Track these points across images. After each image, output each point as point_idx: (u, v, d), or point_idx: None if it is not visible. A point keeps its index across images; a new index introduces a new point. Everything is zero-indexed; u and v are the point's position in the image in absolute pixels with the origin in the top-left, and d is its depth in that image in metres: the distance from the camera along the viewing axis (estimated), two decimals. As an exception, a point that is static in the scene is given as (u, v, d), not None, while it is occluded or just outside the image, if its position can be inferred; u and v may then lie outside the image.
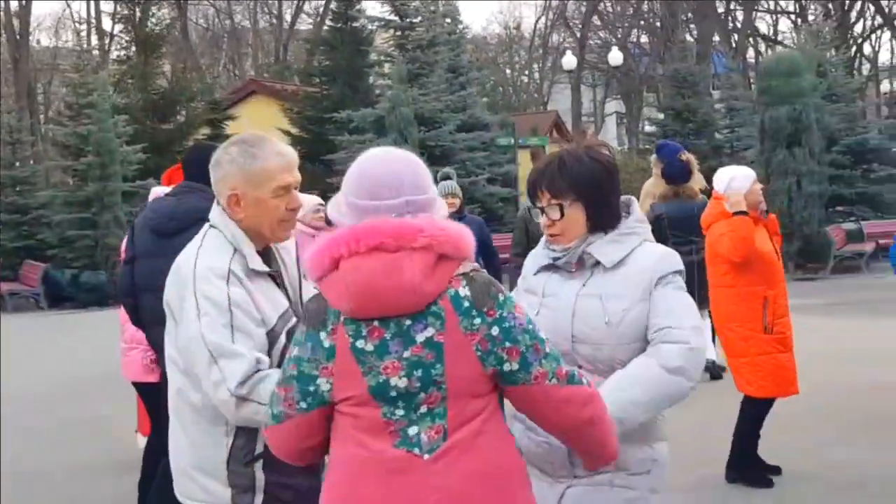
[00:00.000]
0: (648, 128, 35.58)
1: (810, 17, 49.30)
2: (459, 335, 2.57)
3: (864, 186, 22.90)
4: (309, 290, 3.11)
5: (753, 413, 6.49)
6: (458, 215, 9.41)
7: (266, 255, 3.19)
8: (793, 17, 52.81)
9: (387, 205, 2.61)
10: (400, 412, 2.57)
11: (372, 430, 2.59)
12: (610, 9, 52.72)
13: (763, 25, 53.45)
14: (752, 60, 51.04)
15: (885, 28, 50.60)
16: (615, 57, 32.30)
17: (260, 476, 3.12)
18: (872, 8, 50.42)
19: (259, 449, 3.09)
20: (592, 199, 3.20)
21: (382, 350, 2.56)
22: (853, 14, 49.71)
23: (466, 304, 2.57)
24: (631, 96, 50.28)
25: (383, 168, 2.66)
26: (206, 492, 3.13)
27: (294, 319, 3.10)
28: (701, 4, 40.58)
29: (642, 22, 50.87)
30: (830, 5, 47.26)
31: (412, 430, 2.58)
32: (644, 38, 52.51)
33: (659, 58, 47.91)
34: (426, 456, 2.57)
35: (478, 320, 2.57)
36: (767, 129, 20.63)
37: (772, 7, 52.69)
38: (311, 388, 2.62)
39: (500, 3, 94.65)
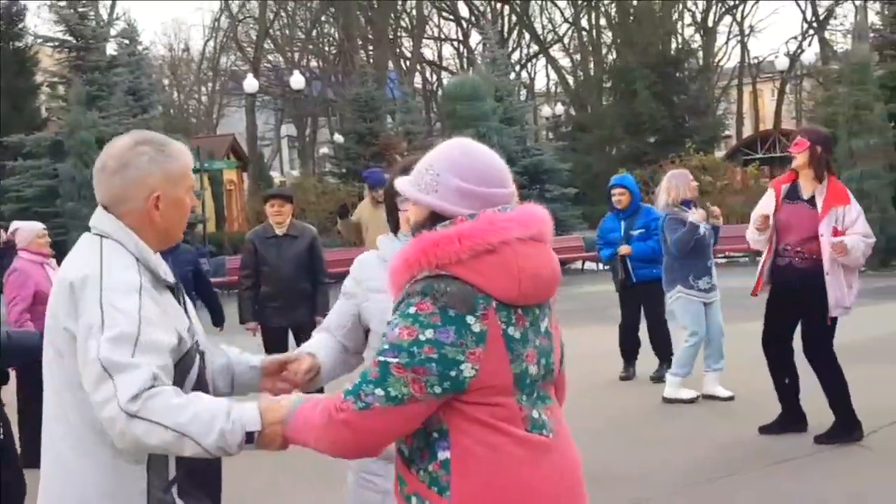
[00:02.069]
0: (324, 150, 35.89)
1: (472, 44, 51.81)
2: (556, 324, 2.73)
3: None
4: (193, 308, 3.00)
5: None
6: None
7: None
8: (455, 43, 55.26)
9: (508, 193, 2.64)
10: (525, 398, 2.60)
11: (509, 417, 2.57)
12: (279, 32, 52.74)
13: (428, 52, 55.41)
14: (419, 86, 52.85)
15: (541, 55, 53.77)
16: (297, 80, 32.29)
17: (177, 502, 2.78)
18: (528, 35, 53.57)
19: (174, 472, 2.78)
20: None
21: (525, 338, 2.58)
22: (511, 42, 52.58)
23: None
24: (303, 120, 50.54)
25: (492, 158, 2.67)
26: None
27: (198, 337, 2.87)
28: (375, 30, 41.41)
29: (311, 46, 51.24)
30: (490, 32, 49.74)
31: (535, 414, 2.63)
32: (314, 63, 52.94)
33: (330, 82, 48.53)
34: (551, 436, 2.64)
35: (551, 309, 2.74)
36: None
37: (436, 34, 54.74)
38: (453, 373, 2.48)
39: (163, 24, 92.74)
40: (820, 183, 7.44)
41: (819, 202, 7.40)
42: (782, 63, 35.90)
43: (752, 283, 7.80)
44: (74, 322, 2.68)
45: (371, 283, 3.43)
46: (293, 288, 8.83)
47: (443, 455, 2.56)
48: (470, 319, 2.48)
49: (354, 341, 3.53)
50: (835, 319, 7.41)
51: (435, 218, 2.62)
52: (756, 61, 52.87)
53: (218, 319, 9.53)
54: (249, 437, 2.60)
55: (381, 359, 2.48)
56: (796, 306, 7.49)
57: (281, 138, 49.72)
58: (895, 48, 23.55)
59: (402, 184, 2.72)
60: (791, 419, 7.71)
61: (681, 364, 9.02)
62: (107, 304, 2.64)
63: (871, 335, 11.70)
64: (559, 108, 42.17)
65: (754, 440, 7.57)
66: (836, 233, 7.29)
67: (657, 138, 34.30)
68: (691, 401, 8.90)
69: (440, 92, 53.62)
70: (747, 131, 50.72)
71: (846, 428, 7.41)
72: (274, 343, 9.27)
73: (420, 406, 2.48)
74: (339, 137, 48.18)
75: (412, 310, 2.49)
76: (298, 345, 9.03)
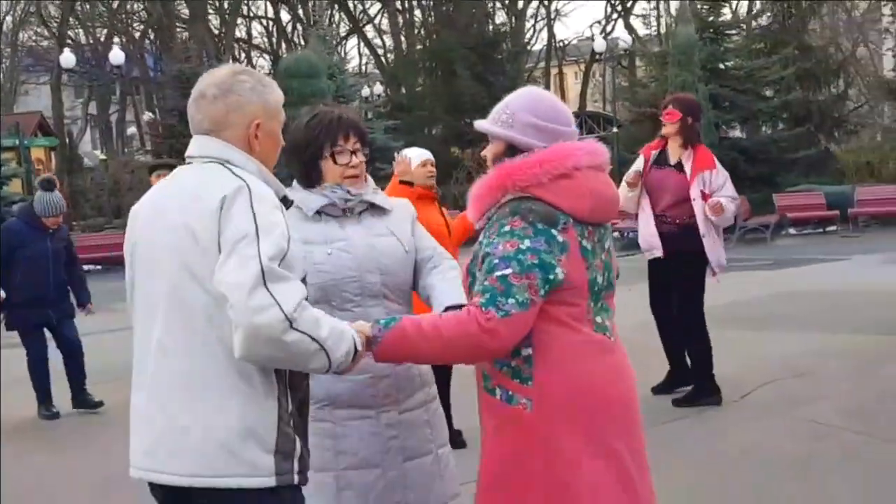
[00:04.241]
0: (132, 130, 34.80)
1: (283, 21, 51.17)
2: (611, 246, 3.18)
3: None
4: None
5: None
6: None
7: None
8: (264, 21, 54.42)
9: (574, 131, 3.10)
10: (593, 304, 3.04)
11: (579, 317, 2.99)
12: (79, 8, 50.53)
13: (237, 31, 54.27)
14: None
15: (354, 35, 53.53)
16: (116, 55, 31.13)
17: (295, 437, 2.75)
18: (338, 15, 53.25)
19: (290, 404, 2.75)
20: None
21: (595, 251, 3.04)
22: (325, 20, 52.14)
23: None
24: (108, 98, 48.77)
25: (558, 100, 3.15)
26: (249, 465, 2.64)
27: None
28: (193, 6, 40.37)
29: (118, 24, 49.33)
30: (301, 11, 49.29)
31: (599, 319, 3.07)
32: (116, 40, 51.01)
33: (137, 60, 46.95)
34: (612, 339, 3.11)
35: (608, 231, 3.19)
36: (288, 128, 21.16)
37: (245, 12, 53.64)
38: (551, 276, 2.90)
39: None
40: (686, 150, 7.73)
41: (687, 168, 7.68)
42: (599, 46, 36.98)
43: None
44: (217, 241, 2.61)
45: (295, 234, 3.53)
46: None
47: (525, 352, 2.97)
48: (554, 232, 2.92)
49: None
50: (702, 284, 7.73)
51: (510, 151, 3.04)
52: (562, 44, 54.22)
53: (84, 300, 9.25)
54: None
55: (498, 273, 2.87)
56: (669, 270, 7.77)
57: (88, 116, 47.80)
58: (714, 31, 24.69)
59: (481, 123, 3.14)
60: (679, 377, 8.03)
61: None
62: (259, 214, 2.62)
63: (723, 302, 12.30)
64: (378, 88, 42.12)
65: (643, 399, 7.89)
66: (704, 196, 7.59)
67: (476, 118, 34.63)
68: None
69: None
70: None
71: (706, 392, 7.73)
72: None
73: (535, 308, 2.89)
74: (148, 115, 46.84)
75: (507, 227, 2.92)
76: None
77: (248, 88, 2.83)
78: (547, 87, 52.91)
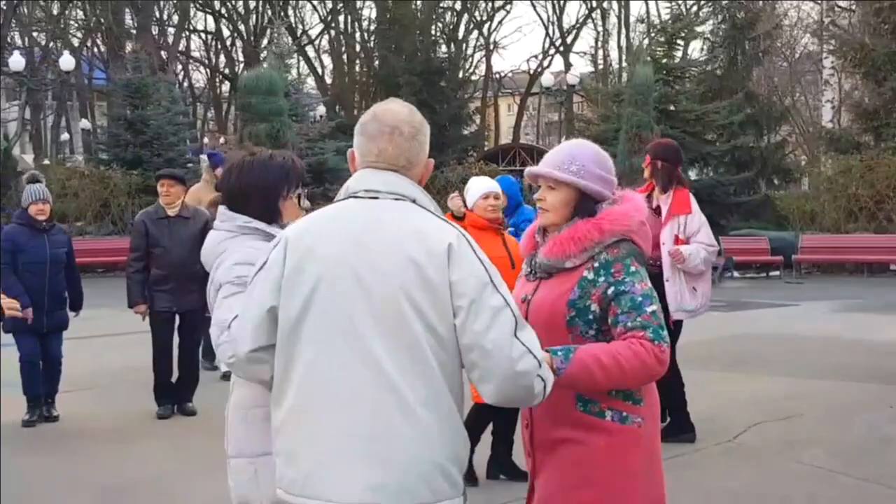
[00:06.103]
0: (64, 136, 34.14)
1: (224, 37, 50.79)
2: None
3: (324, 203, 24.06)
4: None
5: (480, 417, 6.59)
6: (50, 223, 8.77)
7: None
8: (206, 36, 53.89)
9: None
10: None
11: None
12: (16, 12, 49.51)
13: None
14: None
15: (296, 55, 53.27)
16: (66, 61, 30.64)
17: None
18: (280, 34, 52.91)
19: None
20: None
21: None
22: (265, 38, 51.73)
23: None
24: (42, 103, 47.84)
25: (606, 153, 3.50)
26: (455, 486, 2.78)
27: None
28: (141, 17, 39.85)
29: (56, 30, 48.40)
30: (243, 28, 49.03)
31: None
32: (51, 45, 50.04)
33: (76, 67, 46.10)
34: None
35: None
36: (247, 145, 21.01)
37: (186, 25, 53.09)
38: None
39: None
40: (664, 193, 7.79)
41: (663, 211, 7.73)
42: (546, 80, 37.34)
43: None
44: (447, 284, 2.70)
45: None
46: (185, 271, 8.45)
47: None
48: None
49: None
50: (678, 323, 7.73)
51: (581, 197, 3.36)
52: (498, 77, 54.39)
53: (77, 304, 9.08)
54: None
55: (648, 310, 3.22)
56: None
57: (26, 121, 46.86)
58: (667, 73, 25.08)
59: (550, 171, 3.38)
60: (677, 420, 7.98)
61: None
62: (485, 262, 2.75)
63: (684, 342, 12.38)
64: (321, 110, 41.93)
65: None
66: (677, 241, 7.62)
67: (419, 144, 34.75)
68: None
69: (186, 83, 52.22)
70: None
71: (681, 428, 7.82)
72: (162, 327, 9.02)
73: None
74: (85, 123, 46.03)
75: (633, 268, 3.27)
76: (183, 330, 8.90)
77: (427, 129, 2.96)
78: (482, 118, 53.20)
